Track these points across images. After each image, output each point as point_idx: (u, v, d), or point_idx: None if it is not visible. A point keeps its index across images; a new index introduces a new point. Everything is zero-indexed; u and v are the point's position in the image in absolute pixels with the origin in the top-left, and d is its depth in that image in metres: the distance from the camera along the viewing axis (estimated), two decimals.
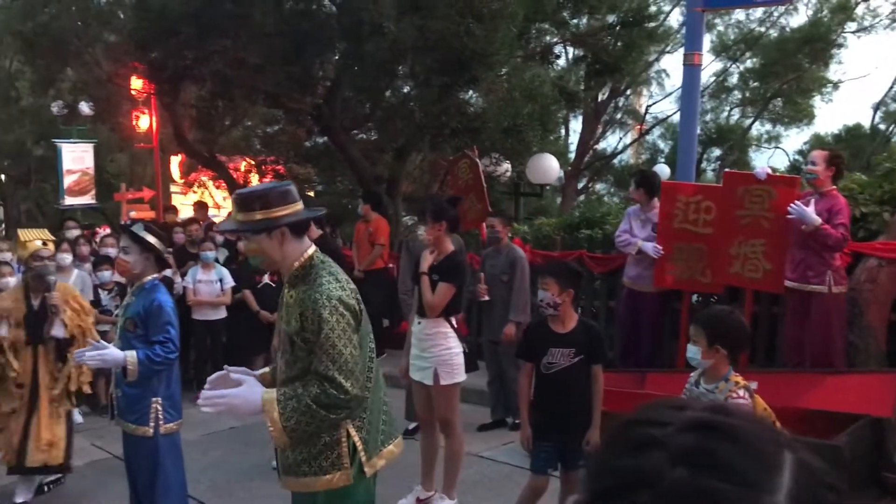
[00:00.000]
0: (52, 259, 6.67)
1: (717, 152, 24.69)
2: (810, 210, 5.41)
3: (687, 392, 3.45)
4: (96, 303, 7.04)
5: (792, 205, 5.48)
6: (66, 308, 5.10)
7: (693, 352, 3.42)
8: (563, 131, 21.16)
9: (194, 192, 16.05)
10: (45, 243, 8.36)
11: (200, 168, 14.50)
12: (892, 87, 25.00)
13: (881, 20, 22.49)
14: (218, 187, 15.14)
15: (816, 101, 24.11)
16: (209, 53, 9.56)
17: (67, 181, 14.43)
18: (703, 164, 23.65)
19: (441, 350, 4.74)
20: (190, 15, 8.99)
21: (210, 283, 7.83)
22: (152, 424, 4.06)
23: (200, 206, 11.10)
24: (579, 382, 3.98)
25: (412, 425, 6.09)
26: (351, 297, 2.81)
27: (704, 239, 6.27)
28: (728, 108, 25.13)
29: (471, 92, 10.42)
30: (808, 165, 5.71)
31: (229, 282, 7.89)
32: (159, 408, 4.09)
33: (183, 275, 7.95)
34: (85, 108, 13.44)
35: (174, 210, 11.60)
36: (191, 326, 7.89)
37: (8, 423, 5.05)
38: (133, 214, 14.81)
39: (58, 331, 5.03)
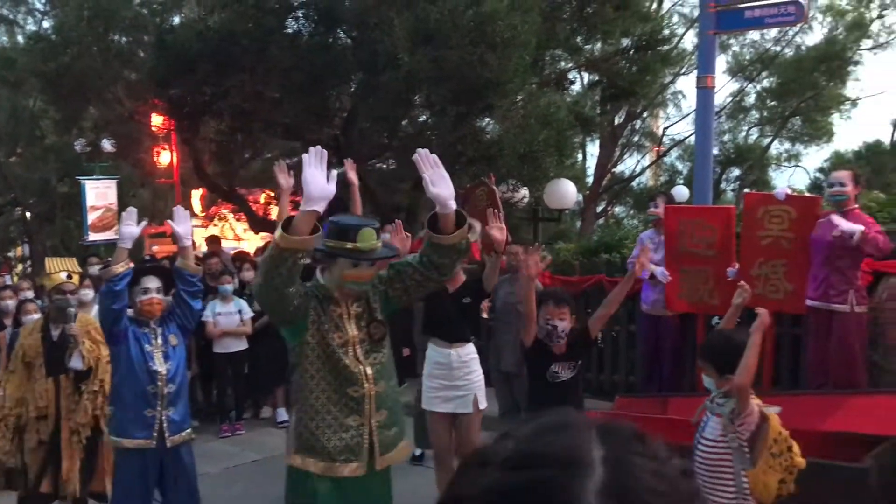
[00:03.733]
0: (76, 294, 6.79)
1: (736, 172, 24.60)
2: (846, 222, 5.34)
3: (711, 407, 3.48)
4: None
5: (832, 217, 5.41)
6: (84, 340, 5.16)
7: (708, 382, 3.47)
8: (580, 156, 21.23)
9: (215, 225, 16.21)
10: (70, 276, 8.47)
11: (221, 201, 14.66)
12: None
13: None
14: (238, 220, 15.29)
15: (835, 118, 24.02)
16: (227, 88, 9.72)
17: (91, 217, 14.67)
18: (723, 185, 23.57)
19: (478, 375, 4.88)
20: (208, 52, 9.16)
21: (230, 314, 7.87)
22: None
23: (213, 241, 11.19)
24: (579, 394, 4.21)
25: (419, 451, 6.09)
26: None
27: (709, 262, 6.25)
28: (746, 128, 25.10)
29: (487, 120, 10.49)
30: (835, 187, 5.60)
31: (248, 312, 7.94)
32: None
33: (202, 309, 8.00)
34: (107, 145, 13.70)
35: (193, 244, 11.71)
36: (212, 359, 7.95)
37: (35, 456, 5.11)
38: (156, 249, 14.99)
39: (76, 362, 5.09)
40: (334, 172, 3.08)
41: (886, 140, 25.43)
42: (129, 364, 4.20)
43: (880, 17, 22.26)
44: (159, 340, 4.31)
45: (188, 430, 4.44)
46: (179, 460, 4.35)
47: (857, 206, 5.60)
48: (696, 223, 6.34)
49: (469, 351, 4.89)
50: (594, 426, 0.74)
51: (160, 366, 4.26)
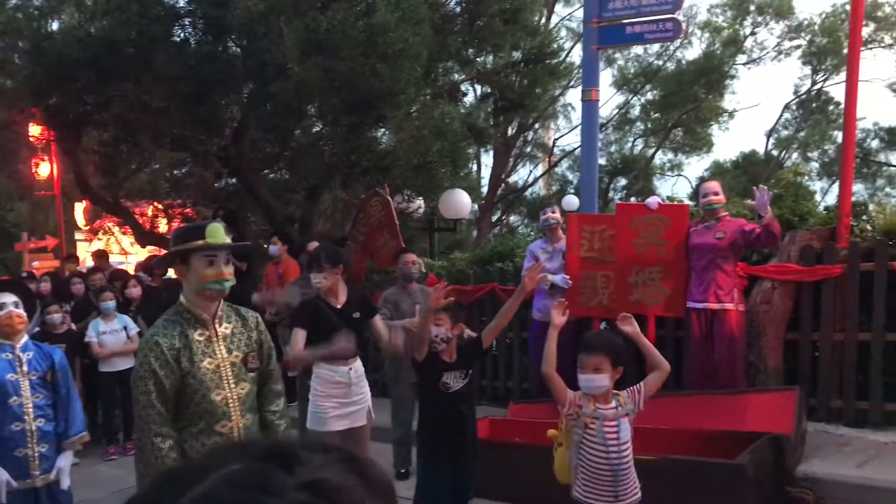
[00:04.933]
0: None
1: (623, 181, 25.47)
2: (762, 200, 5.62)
3: (586, 416, 3.46)
4: None
5: (758, 191, 5.65)
6: None
7: (599, 380, 3.40)
8: (474, 166, 21.53)
9: (99, 239, 15.59)
10: None
11: (105, 214, 14.09)
12: (781, 115, 26.38)
13: (768, 52, 23.80)
14: (124, 233, 14.75)
15: (714, 129, 25.24)
16: (110, 98, 9.37)
17: None
18: (611, 194, 24.36)
19: (367, 386, 4.97)
20: (88, 60, 8.80)
21: (115, 332, 7.58)
22: None
23: (100, 255, 10.78)
24: (472, 403, 4.16)
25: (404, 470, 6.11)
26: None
27: (610, 267, 6.46)
28: (632, 139, 26.04)
29: (381, 130, 10.50)
30: (709, 196, 5.95)
31: (134, 328, 7.67)
32: None
33: (85, 327, 7.68)
34: None
35: (75, 259, 11.22)
36: (97, 380, 7.63)
37: None
38: (36, 265, 14.27)
39: None
40: None
41: (761, 150, 26.90)
42: None
43: (753, 34, 23.56)
44: (25, 368, 3.96)
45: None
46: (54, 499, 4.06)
47: (726, 213, 5.92)
48: (597, 230, 6.53)
49: (360, 365, 4.94)
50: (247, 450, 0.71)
51: (27, 397, 3.92)
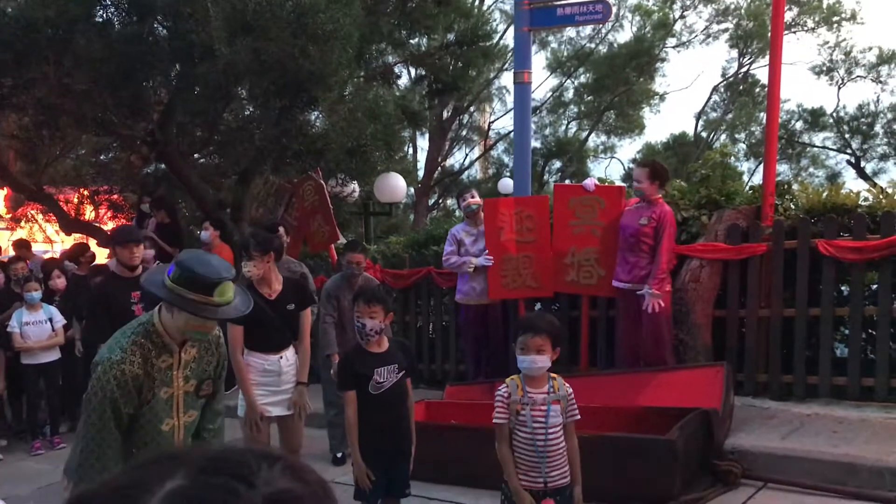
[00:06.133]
0: None
1: (557, 164, 25.71)
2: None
3: (516, 404, 3.45)
4: None
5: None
6: None
7: (541, 361, 3.38)
8: (409, 149, 21.45)
9: (22, 227, 15.06)
10: None
11: (28, 202, 13.60)
12: (710, 98, 26.95)
13: (697, 36, 24.27)
14: (48, 221, 14.26)
15: (646, 112, 25.65)
16: (29, 80, 9.00)
17: None
18: (546, 177, 24.57)
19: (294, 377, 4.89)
20: (4, 41, 8.43)
21: (39, 323, 7.34)
22: None
23: (21, 244, 10.41)
24: (404, 399, 4.06)
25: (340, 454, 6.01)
26: None
27: (531, 247, 6.52)
28: (566, 122, 26.27)
29: (314, 113, 10.34)
30: (634, 183, 6.04)
31: (60, 320, 7.43)
32: None
33: (8, 318, 7.42)
34: None
35: None
36: (20, 372, 7.38)
37: None
38: None
39: None
40: None
41: (691, 132, 27.45)
42: None
43: (682, 17, 23.98)
44: None
45: None
46: None
47: (660, 195, 6.00)
48: (517, 213, 6.57)
49: (292, 354, 4.88)
50: (192, 459, 0.69)
51: None
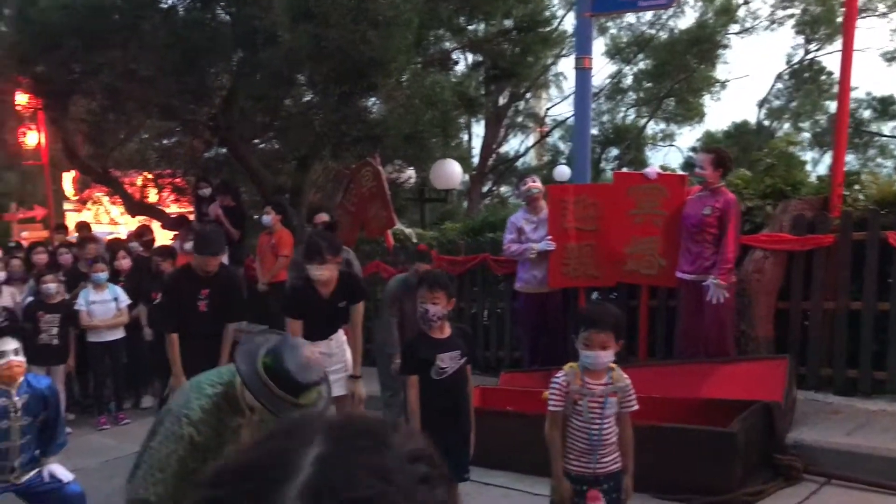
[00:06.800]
0: None
1: (615, 152, 25.39)
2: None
3: (574, 394, 3.44)
4: None
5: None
6: None
7: (605, 356, 3.37)
8: (465, 136, 21.40)
9: (88, 209, 15.49)
10: None
11: (94, 184, 13.98)
12: (773, 86, 26.30)
13: (761, 21, 23.65)
14: (114, 203, 14.65)
15: (706, 99, 25.11)
16: (97, 66, 9.23)
17: None
18: (603, 164, 24.29)
19: (348, 356, 5.06)
20: (74, 27, 8.66)
21: (105, 303, 7.56)
22: None
23: (83, 227, 10.70)
24: (464, 385, 4.11)
25: None
26: None
27: (593, 236, 6.46)
28: (624, 109, 25.89)
29: (372, 99, 10.40)
30: (697, 169, 5.95)
31: (124, 300, 7.64)
32: None
33: (75, 297, 7.66)
34: None
35: (64, 229, 11.15)
36: (88, 350, 7.62)
37: None
38: (25, 235, 14.19)
39: None
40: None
41: (753, 120, 26.84)
42: None
43: (746, 3, 23.39)
44: (19, 413, 3.94)
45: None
46: (41, 483, 4.10)
47: (723, 184, 5.88)
48: (580, 200, 6.51)
49: (341, 334, 5.01)
50: (324, 426, 0.71)
51: (15, 440, 3.95)
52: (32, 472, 4.07)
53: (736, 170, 6.86)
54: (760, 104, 26.59)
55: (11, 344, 3.93)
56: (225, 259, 8.75)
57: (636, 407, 3.51)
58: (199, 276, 5.39)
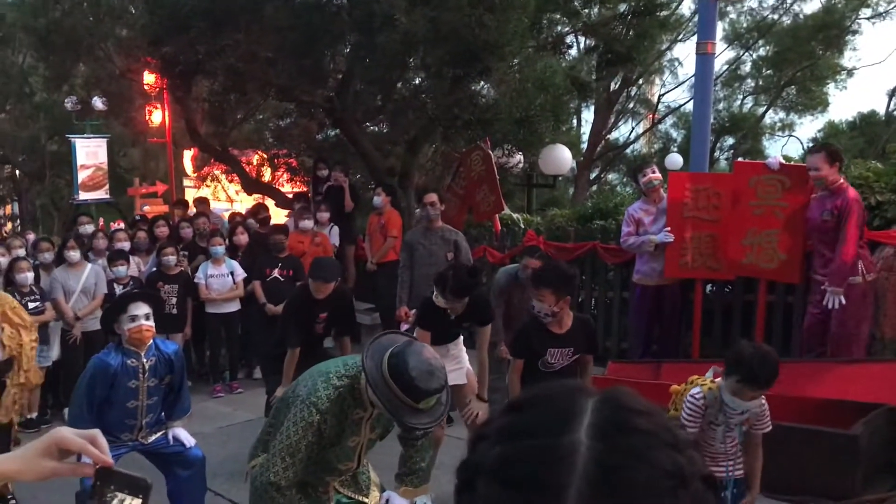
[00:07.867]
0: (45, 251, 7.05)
1: (730, 141, 24.53)
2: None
3: (711, 417, 3.41)
4: (111, 297, 7.07)
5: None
6: (3, 325, 4.87)
7: (754, 406, 3.33)
8: (575, 122, 21.10)
9: (207, 185, 16.11)
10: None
11: (213, 162, 14.53)
12: None
13: None
14: (231, 181, 15.19)
15: (830, 88, 23.89)
16: (221, 47, 9.55)
17: (81, 176, 14.55)
18: (717, 154, 23.50)
19: (464, 354, 5.14)
20: (202, 9, 9.00)
21: (221, 276, 7.86)
22: None
23: (201, 202, 11.12)
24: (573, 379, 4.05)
25: None
26: None
27: (715, 226, 6.26)
28: (741, 97, 24.96)
29: (483, 83, 10.38)
30: (811, 172, 5.56)
31: (240, 274, 7.93)
32: None
33: (194, 270, 7.99)
34: (98, 103, 13.52)
35: (185, 204, 11.64)
36: (205, 320, 7.95)
37: None
38: (146, 209, 14.90)
39: None
40: None
41: (882, 110, 25.39)
42: (107, 401, 4.07)
43: None
44: (147, 374, 4.13)
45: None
46: (166, 445, 4.32)
47: (842, 179, 5.54)
48: (703, 189, 6.32)
49: (458, 341, 5.06)
50: (594, 396, 0.74)
51: (143, 400, 4.15)
52: (158, 434, 4.29)
53: (865, 161, 6.51)
54: (891, 94, 25.11)
55: (143, 308, 4.10)
56: (335, 237, 8.99)
57: (769, 429, 3.42)
58: (317, 299, 5.50)
